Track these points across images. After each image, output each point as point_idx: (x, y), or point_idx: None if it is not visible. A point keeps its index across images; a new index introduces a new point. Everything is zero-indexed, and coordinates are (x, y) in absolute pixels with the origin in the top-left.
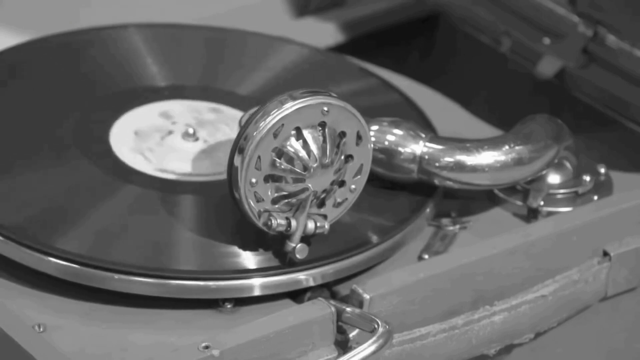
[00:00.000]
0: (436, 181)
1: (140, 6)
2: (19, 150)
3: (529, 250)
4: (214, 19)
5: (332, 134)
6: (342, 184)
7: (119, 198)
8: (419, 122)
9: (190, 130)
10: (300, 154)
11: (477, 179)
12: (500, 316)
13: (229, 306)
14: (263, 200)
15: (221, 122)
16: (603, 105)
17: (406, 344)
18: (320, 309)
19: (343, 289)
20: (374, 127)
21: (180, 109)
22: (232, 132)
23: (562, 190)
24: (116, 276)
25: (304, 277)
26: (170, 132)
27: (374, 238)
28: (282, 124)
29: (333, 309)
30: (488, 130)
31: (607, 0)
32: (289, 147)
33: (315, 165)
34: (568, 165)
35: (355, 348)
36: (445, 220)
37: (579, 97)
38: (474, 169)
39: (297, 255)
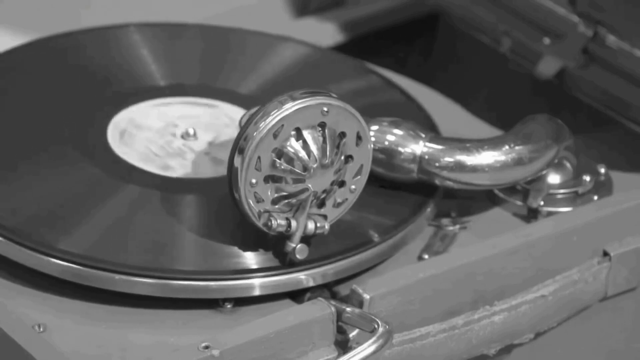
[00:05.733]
0: (436, 181)
1: (140, 6)
2: (19, 150)
3: (529, 250)
4: (214, 19)
5: (332, 134)
6: (342, 184)
7: (119, 198)
8: (421, 120)
9: (191, 130)
10: (300, 155)
11: (477, 179)
12: (500, 316)
13: (229, 306)
14: (263, 200)
15: (223, 123)
16: (603, 106)
17: (406, 344)
18: (320, 309)
19: (343, 289)
20: (374, 127)
21: (182, 108)
22: (233, 133)
23: (562, 190)
24: (116, 276)
25: (304, 277)
26: (170, 132)
27: (374, 238)
28: (282, 125)
29: (333, 309)
30: (488, 130)
31: (607, 0)
32: (288, 148)
33: (315, 165)
34: (568, 165)
35: (355, 348)
36: (445, 220)
37: (579, 97)
38: (474, 169)
39: (297, 256)
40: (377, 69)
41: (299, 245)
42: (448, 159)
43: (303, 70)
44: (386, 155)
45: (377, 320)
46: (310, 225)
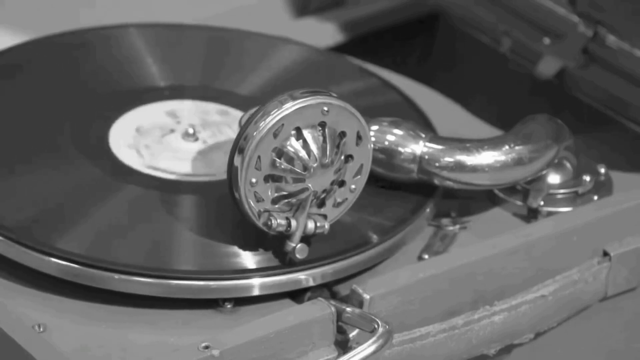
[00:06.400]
0: (436, 181)
1: (140, 6)
2: (19, 151)
3: (529, 250)
4: (214, 19)
5: (332, 133)
6: (342, 184)
7: (119, 198)
8: (418, 122)
9: (190, 130)
10: (300, 154)
11: (477, 179)
12: (500, 316)
13: (229, 306)
14: (263, 200)
15: (225, 124)
16: (603, 106)
17: (406, 344)
18: (320, 309)
19: (343, 289)
20: (374, 127)
21: (183, 109)
22: (233, 134)
23: (562, 190)
24: (116, 276)
25: (304, 277)
26: (170, 132)
27: (374, 238)
28: (282, 124)
29: (333, 309)
30: (488, 130)
31: (607, 0)
32: (289, 147)
33: (315, 165)
34: (568, 165)
35: (355, 348)
36: (445, 220)
37: (579, 97)
38: (474, 169)
39: (297, 255)
40: (377, 69)
41: (298, 245)
42: (448, 159)
43: (302, 71)
44: (386, 155)
45: (377, 320)
46: (310, 225)
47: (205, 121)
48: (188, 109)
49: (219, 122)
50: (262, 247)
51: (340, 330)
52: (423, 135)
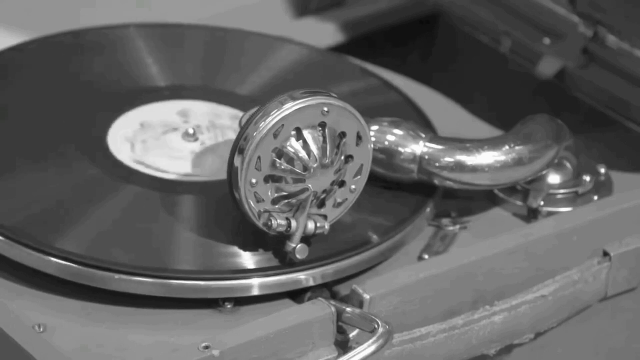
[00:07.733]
0: (436, 181)
1: (140, 6)
2: (19, 150)
3: (529, 250)
4: (214, 19)
5: (332, 134)
6: (342, 184)
7: (119, 198)
8: (419, 122)
9: (191, 130)
10: (300, 154)
11: (477, 179)
12: (500, 316)
13: (229, 306)
14: (263, 200)
15: (223, 123)
16: (603, 105)
17: (406, 344)
18: (320, 309)
19: (343, 289)
20: (374, 127)
21: (182, 108)
22: (233, 133)
23: (562, 190)
24: (116, 276)
25: (303, 277)
26: (170, 132)
27: (374, 238)
28: (282, 124)
29: (333, 309)
30: (488, 130)
31: (607, 0)
32: (289, 148)
33: (315, 165)
34: (568, 165)
35: (355, 348)
36: (445, 220)
37: (579, 97)
38: (474, 169)
39: (297, 256)
40: (377, 69)
41: (299, 245)
42: (448, 159)
43: (302, 71)
44: (386, 155)
45: (377, 320)
46: (310, 225)
47: (206, 122)
48: (189, 110)
49: (220, 123)
50: (262, 247)
51: (340, 330)
52: (423, 135)
